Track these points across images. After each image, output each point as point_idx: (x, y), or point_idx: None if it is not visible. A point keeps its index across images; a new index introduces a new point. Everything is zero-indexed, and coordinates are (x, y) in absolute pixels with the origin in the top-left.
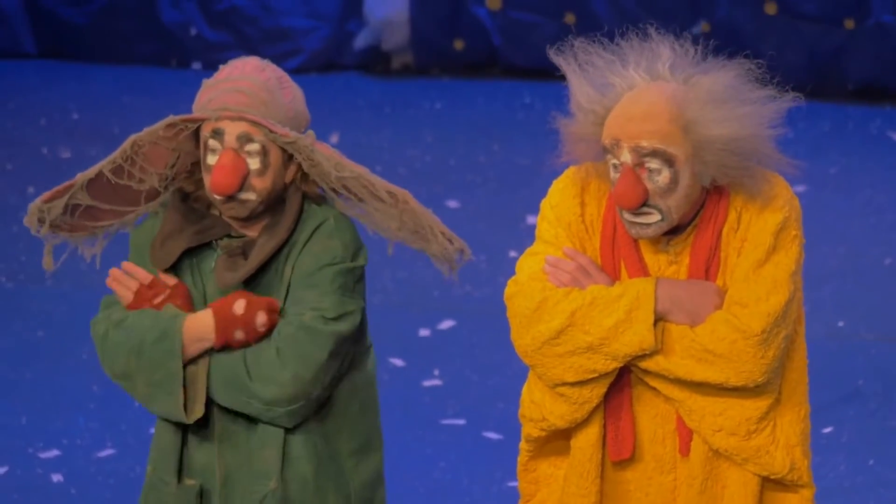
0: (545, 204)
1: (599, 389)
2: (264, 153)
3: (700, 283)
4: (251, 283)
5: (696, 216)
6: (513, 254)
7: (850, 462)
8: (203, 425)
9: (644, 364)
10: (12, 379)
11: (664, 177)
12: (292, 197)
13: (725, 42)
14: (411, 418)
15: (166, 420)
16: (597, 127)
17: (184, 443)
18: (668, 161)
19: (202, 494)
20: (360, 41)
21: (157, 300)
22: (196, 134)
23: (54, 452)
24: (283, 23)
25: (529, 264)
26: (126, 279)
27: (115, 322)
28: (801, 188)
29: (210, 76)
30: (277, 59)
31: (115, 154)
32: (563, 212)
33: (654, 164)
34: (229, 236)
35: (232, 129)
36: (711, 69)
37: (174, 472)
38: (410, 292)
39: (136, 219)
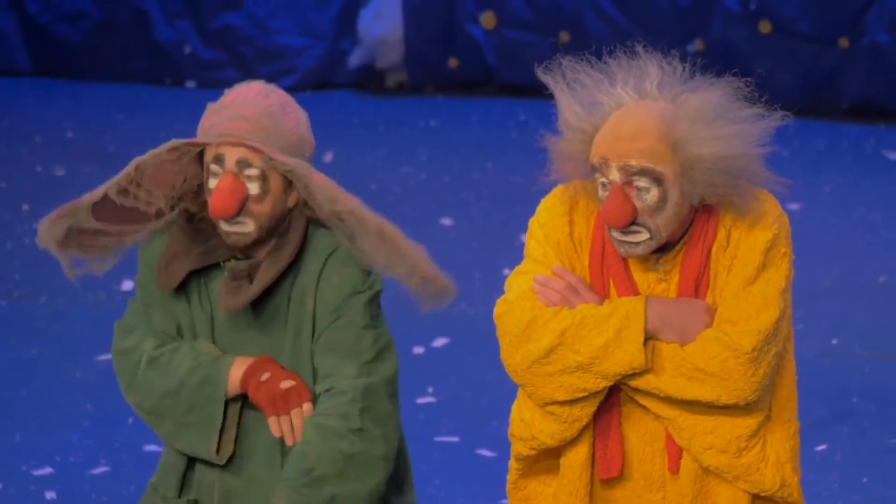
0: (533, 222)
1: (589, 408)
2: (263, 178)
3: (689, 302)
4: (256, 306)
5: (686, 234)
6: (507, 271)
7: (845, 480)
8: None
9: (635, 382)
10: (6, 396)
11: (653, 195)
12: (296, 221)
13: (720, 61)
14: (405, 435)
15: None
16: (585, 145)
17: (190, 463)
18: (657, 180)
19: None
20: (355, 60)
21: None
22: (200, 157)
23: (48, 470)
24: (277, 41)
25: (518, 283)
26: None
27: (150, 358)
28: (795, 206)
29: (204, 95)
30: (272, 78)
31: (120, 177)
32: (552, 230)
33: (642, 182)
34: (236, 258)
35: (232, 154)
36: (700, 87)
37: (176, 488)
38: (404, 309)
39: (144, 236)
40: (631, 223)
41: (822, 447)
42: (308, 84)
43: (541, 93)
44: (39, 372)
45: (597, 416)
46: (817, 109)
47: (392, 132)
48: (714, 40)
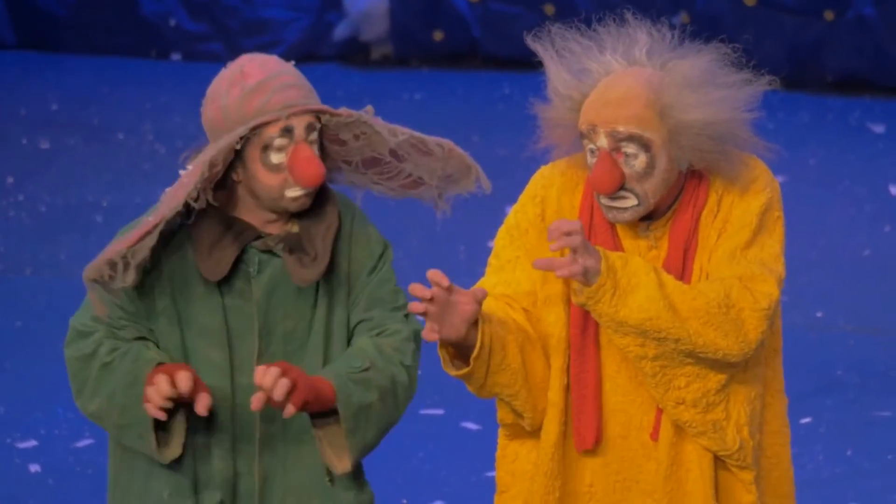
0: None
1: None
2: (318, 141)
3: None
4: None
5: (676, 201)
6: (491, 244)
7: (829, 452)
8: (223, 438)
9: (651, 324)
10: None
11: (641, 161)
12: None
13: (705, 33)
14: None
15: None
16: (573, 113)
17: (196, 460)
18: (645, 146)
19: None
20: (340, 32)
21: None
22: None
23: (32, 443)
24: (262, 14)
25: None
26: None
27: (103, 364)
28: (780, 179)
29: (189, 67)
30: (257, 50)
31: (195, 180)
32: (521, 217)
33: (630, 148)
34: (259, 237)
35: (300, 123)
36: (688, 54)
37: (190, 492)
38: None
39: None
40: (619, 189)
41: (806, 420)
42: (293, 56)
43: (526, 65)
44: (24, 344)
45: (574, 390)
46: (802, 82)
47: (377, 105)
48: (699, 12)
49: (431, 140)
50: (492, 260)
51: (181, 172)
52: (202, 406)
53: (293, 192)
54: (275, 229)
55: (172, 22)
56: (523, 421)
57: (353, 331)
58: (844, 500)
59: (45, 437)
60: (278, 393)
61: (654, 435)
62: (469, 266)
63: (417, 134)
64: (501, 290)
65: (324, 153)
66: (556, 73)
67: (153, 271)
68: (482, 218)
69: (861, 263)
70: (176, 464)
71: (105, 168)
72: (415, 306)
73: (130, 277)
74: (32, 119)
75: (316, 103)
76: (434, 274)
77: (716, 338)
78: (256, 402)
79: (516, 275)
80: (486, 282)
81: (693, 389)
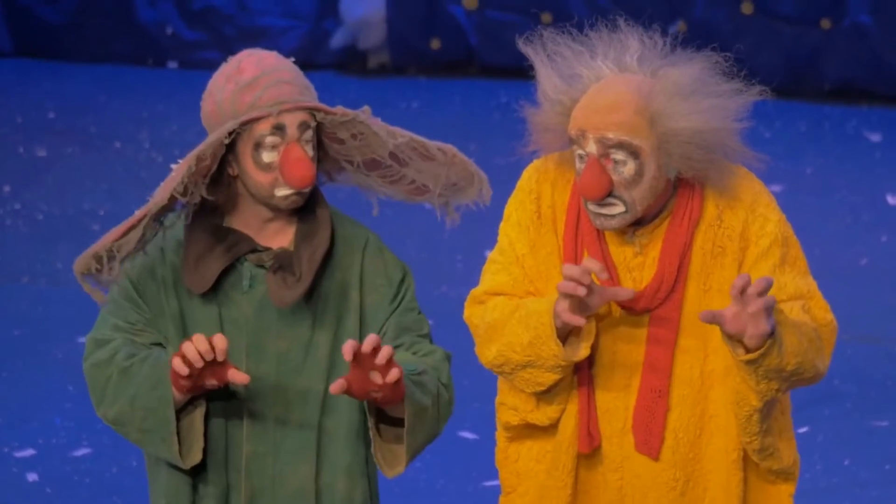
0: (509, 200)
1: (560, 395)
2: (314, 140)
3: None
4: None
5: (664, 209)
6: (488, 253)
7: (826, 462)
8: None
9: (806, 365)
10: None
11: (629, 168)
12: (320, 201)
13: (701, 41)
14: None
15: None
16: (563, 117)
17: (196, 475)
18: (634, 153)
19: None
20: (337, 40)
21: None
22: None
23: (30, 452)
24: (259, 22)
25: (490, 273)
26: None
27: (122, 369)
28: (777, 188)
29: (186, 75)
30: None
31: (182, 174)
32: (522, 213)
33: (619, 155)
34: (254, 251)
35: (292, 120)
36: (679, 62)
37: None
38: None
39: (139, 238)
40: (607, 196)
41: (804, 429)
42: None
43: (523, 74)
44: (21, 353)
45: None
46: (799, 91)
47: (374, 113)
48: (696, 21)
49: (433, 144)
50: (498, 257)
51: (172, 167)
52: (240, 377)
53: (283, 192)
54: (272, 234)
55: (169, 30)
56: (537, 413)
57: None
58: None
59: (43, 447)
60: (382, 356)
61: (642, 449)
62: (465, 275)
63: (418, 137)
64: (524, 288)
65: (323, 151)
66: (547, 78)
67: (163, 277)
68: (479, 227)
69: (858, 273)
70: (177, 473)
71: (102, 176)
72: (567, 286)
73: (116, 271)
74: (29, 127)
75: (310, 100)
76: (593, 263)
77: (815, 361)
78: (337, 387)
79: (529, 270)
80: (499, 279)
81: (755, 420)
